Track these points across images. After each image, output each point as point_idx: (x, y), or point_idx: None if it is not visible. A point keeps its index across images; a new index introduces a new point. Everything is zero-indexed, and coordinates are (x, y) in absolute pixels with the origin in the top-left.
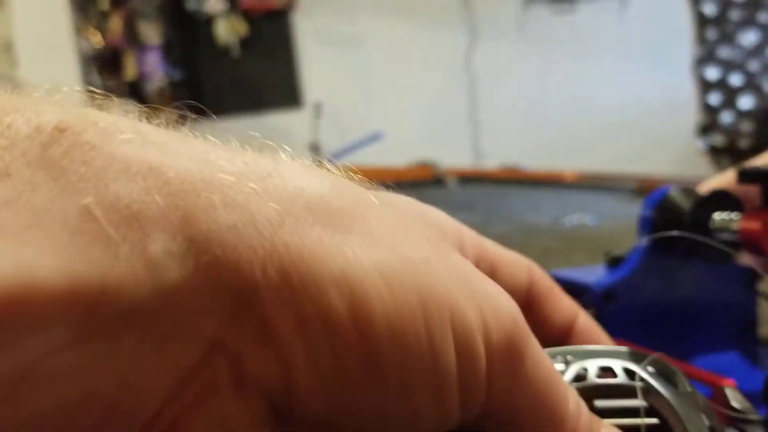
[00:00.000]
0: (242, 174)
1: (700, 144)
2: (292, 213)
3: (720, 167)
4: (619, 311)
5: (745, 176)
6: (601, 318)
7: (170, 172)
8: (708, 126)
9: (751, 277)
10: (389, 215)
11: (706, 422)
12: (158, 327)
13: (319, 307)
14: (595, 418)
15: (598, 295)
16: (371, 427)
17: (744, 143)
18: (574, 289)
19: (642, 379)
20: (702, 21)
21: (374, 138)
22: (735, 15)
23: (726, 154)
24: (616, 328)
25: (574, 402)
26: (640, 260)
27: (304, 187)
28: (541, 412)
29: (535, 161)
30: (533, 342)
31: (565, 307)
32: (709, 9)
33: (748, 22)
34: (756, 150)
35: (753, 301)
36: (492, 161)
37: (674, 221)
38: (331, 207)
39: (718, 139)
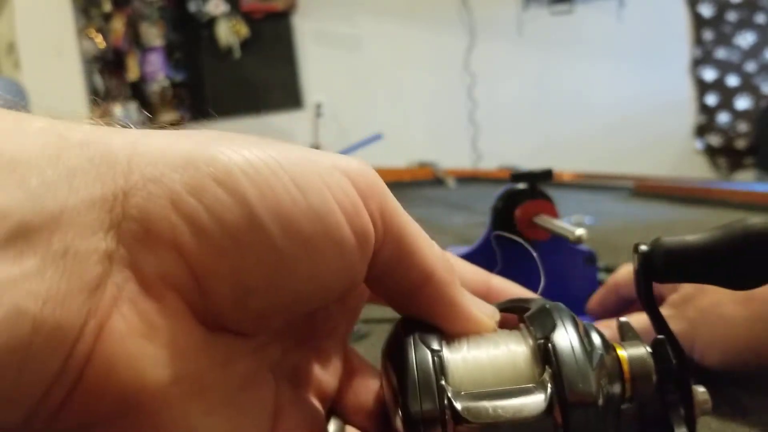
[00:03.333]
0: (104, 126)
1: (697, 144)
2: (147, 135)
3: (717, 167)
4: None
5: (516, 178)
6: None
7: (36, 123)
8: (705, 126)
9: (589, 257)
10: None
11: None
12: (52, 246)
13: (187, 182)
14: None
15: None
16: (287, 296)
17: (740, 143)
18: None
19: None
20: (699, 22)
21: (374, 139)
22: (732, 16)
23: (723, 154)
24: None
25: (442, 258)
26: (482, 240)
27: (164, 135)
28: (413, 255)
29: (533, 161)
30: (390, 194)
31: (472, 270)
32: (706, 10)
33: (745, 23)
34: (752, 150)
35: (593, 277)
36: (491, 162)
37: (498, 209)
38: (184, 131)
39: (714, 140)
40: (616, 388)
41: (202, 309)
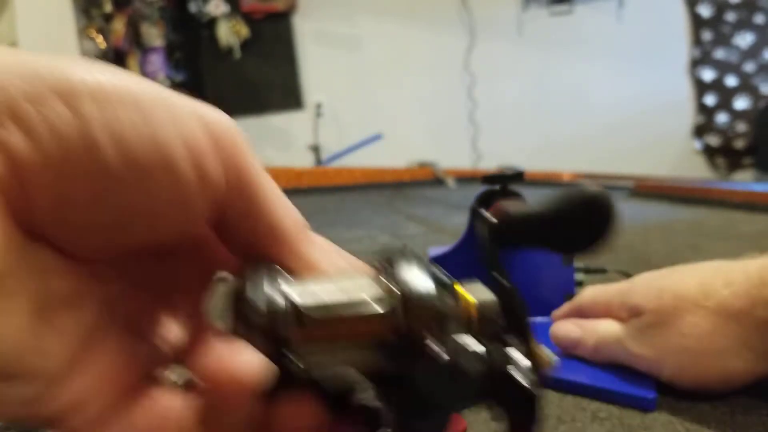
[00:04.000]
0: None
1: (695, 144)
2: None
3: (715, 167)
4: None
5: (487, 180)
6: None
7: None
8: (704, 126)
9: (568, 258)
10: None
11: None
12: None
13: (27, 90)
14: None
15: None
16: (110, 216)
17: (739, 144)
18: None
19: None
20: (698, 23)
21: (374, 139)
22: (730, 17)
23: (721, 154)
24: None
25: (292, 213)
26: (461, 240)
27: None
28: (260, 211)
29: (533, 161)
30: (249, 149)
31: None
32: (705, 11)
33: (744, 23)
34: (751, 150)
35: (570, 277)
36: (491, 162)
37: (474, 210)
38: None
39: (713, 140)
40: (457, 309)
41: (25, 215)
